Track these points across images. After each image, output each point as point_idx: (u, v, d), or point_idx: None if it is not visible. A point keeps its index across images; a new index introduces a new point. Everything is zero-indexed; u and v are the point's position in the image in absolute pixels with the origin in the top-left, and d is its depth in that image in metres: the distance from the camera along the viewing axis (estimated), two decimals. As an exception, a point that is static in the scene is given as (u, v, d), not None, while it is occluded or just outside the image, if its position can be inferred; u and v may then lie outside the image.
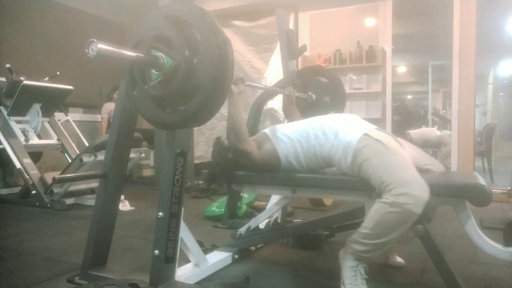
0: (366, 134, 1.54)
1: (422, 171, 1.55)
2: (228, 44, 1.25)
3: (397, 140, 1.65)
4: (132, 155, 3.43)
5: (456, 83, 4.00)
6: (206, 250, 2.03)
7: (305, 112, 2.50)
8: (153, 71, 1.29)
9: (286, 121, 2.43)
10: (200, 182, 4.30)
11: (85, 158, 3.26)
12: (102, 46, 1.07)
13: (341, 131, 1.61)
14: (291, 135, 1.73)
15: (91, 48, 1.07)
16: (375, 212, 1.42)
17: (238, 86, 1.70)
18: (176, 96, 1.30)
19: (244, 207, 2.91)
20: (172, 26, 1.26)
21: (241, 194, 2.76)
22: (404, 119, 5.60)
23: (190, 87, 1.25)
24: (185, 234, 1.68)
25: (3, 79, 3.85)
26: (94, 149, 3.34)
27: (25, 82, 3.64)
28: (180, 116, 1.32)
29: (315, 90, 2.65)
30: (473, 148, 4.02)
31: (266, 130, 1.82)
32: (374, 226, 1.42)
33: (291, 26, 4.67)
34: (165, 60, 1.25)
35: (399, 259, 1.94)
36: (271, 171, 1.76)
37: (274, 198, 2.26)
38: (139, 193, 4.24)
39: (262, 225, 2.13)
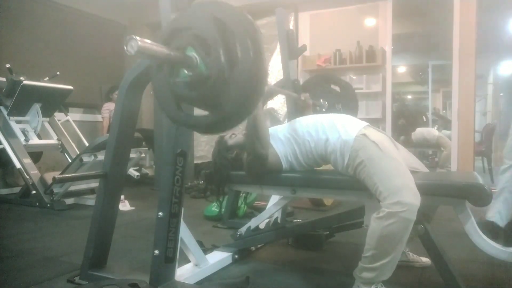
0: (364, 135, 1.53)
1: (412, 173, 1.55)
2: (266, 72, 1.17)
3: (393, 141, 1.65)
4: (132, 155, 3.43)
5: (456, 83, 4.01)
6: (206, 250, 2.03)
7: None
8: (184, 69, 1.21)
9: (286, 121, 2.42)
10: (200, 182, 4.31)
11: (85, 158, 3.26)
12: (142, 43, 1.01)
13: (336, 128, 1.61)
14: (287, 134, 1.73)
15: (130, 45, 1.00)
16: (373, 231, 1.42)
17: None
18: (196, 102, 1.25)
19: (244, 207, 2.92)
20: (218, 33, 1.15)
21: (241, 194, 2.76)
22: (409, 122, 5.55)
23: (214, 100, 1.17)
24: (185, 234, 1.68)
25: (3, 79, 3.85)
26: (94, 149, 3.34)
27: (25, 82, 3.65)
28: (194, 121, 1.27)
29: (326, 97, 2.60)
30: (473, 148, 4.02)
31: None
32: (377, 245, 1.40)
33: (291, 26, 4.67)
34: (198, 63, 1.16)
35: (424, 259, 1.92)
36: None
37: (274, 198, 2.26)
38: (139, 193, 4.24)
39: (262, 225, 2.13)
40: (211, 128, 1.27)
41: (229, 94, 1.15)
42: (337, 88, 2.69)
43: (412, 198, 1.38)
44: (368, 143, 1.51)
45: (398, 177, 1.43)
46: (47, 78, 4.08)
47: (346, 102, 2.60)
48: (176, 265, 1.58)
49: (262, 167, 1.71)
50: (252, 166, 1.73)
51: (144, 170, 4.69)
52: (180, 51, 1.19)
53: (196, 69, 1.17)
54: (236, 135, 1.90)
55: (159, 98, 1.34)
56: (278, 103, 4.68)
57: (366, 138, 1.52)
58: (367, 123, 1.63)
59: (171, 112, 1.31)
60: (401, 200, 1.37)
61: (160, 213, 1.54)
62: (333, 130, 1.61)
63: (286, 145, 1.72)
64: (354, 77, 4.63)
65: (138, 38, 1.00)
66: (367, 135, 1.53)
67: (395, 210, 1.36)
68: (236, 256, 2.03)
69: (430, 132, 5.78)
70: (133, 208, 3.47)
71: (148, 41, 1.05)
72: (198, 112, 1.32)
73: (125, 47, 1.01)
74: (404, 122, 5.46)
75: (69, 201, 3.62)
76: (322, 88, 2.67)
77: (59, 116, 4.32)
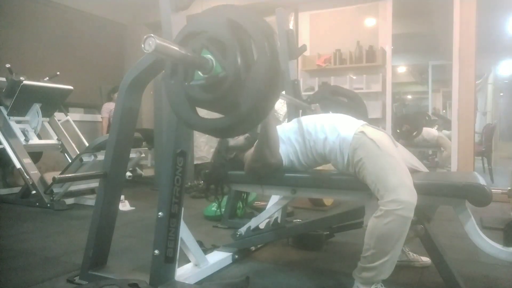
0: (362, 132, 1.54)
1: (412, 171, 1.57)
2: (280, 75, 1.17)
3: (392, 139, 1.65)
4: (132, 155, 3.43)
5: (456, 83, 4.00)
6: (206, 250, 2.03)
7: None
8: (199, 72, 1.21)
9: (286, 121, 2.42)
10: (200, 182, 4.31)
11: (85, 158, 3.26)
12: (160, 41, 1.00)
13: (334, 127, 1.62)
14: (289, 134, 1.74)
15: (147, 43, 1.00)
16: (372, 230, 1.42)
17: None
18: (212, 105, 1.24)
19: (244, 207, 2.91)
20: (233, 34, 1.14)
21: (242, 195, 2.75)
22: (413, 127, 5.51)
23: (230, 102, 1.16)
24: (185, 234, 1.68)
25: (3, 79, 3.85)
26: (94, 149, 3.34)
27: (25, 82, 3.65)
28: (208, 124, 1.26)
29: (335, 108, 2.62)
30: (473, 148, 4.02)
31: None
32: (376, 244, 1.41)
33: (291, 26, 4.67)
34: (214, 66, 1.15)
35: (425, 258, 1.92)
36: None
37: (274, 198, 2.26)
38: (139, 193, 4.24)
39: (262, 225, 2.13)
40: (228, 131, 1.26)
41: (245, 95, 1.14)
42: (344, 99, 2.74)
43: (408, 196, 1.38)
44: (366, 140, 1.51)
45: (394, 175, 1.44)
46: (47, 78, 4.08)
47: (355, 110, 2.65)
48: (176, 265, 1.58)
49: (266, 172, 1.72)
50: (257, 171, 1.74)
51: (139, 171, 4.67)
52: (196, 53, 1.17)
53: (212, 71, 1.16)
54: (238, 136, 1.91)
55: (172, 102, 1.31)
56: (278, 103, 4.68)
57: (364, 136, 1.53)
58: (365, 122, 1.64)
59: (186, 116, 1.29)
60: (397, 198, 1.37)
61: (160, 213, 1.54)
62: (332, 129, 1.62)
63: (288, 144, 1.73)
64: (354, 77, 4.63)
65: (156, 36, 0.99)
66: (365, 133, 1.54)
67: (391, 208, 1.37)
68: (236, 256, 2.03)
69: (430, 132, 5.76)
70: (133, 208, 3.47)
71: (166, 40, 1.04)
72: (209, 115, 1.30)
73: (142, 45, 1.00)
74: (409, 127, 5.41)
75: (69, 201, 3.62)
76: (330, 101, 2.71)
77: (59, 116, 4.31)
